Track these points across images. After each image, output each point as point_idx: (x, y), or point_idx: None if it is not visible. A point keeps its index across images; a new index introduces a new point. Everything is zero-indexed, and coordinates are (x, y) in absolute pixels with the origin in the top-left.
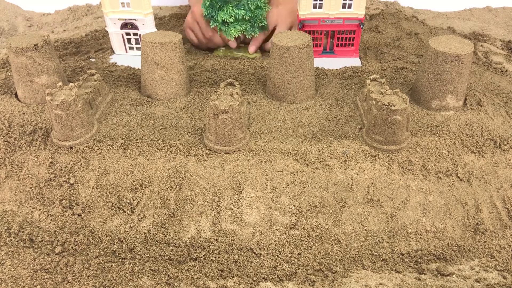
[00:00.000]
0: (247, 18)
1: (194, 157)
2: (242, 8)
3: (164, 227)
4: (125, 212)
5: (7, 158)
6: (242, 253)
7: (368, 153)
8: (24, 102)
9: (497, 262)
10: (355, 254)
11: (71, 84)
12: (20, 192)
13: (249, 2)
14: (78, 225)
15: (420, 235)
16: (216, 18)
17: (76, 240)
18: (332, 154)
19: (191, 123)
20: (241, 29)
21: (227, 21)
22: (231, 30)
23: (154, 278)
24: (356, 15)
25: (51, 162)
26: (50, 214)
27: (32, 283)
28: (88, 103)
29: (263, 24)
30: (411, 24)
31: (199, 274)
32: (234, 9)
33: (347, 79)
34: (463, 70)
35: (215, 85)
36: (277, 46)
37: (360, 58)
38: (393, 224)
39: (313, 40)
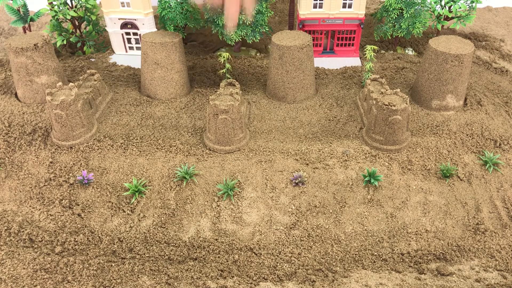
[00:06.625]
0: (248, 23)
1: (194, 157)
2: (243, 13)
3: (164, 227)
4: (125, 212)
5: (7, 158)
6: (242, 253)
7: (368, 153)
8: (24, 102)
9: (497, 262)
10: (355, 254)
11: (71, 84)
12: (20, 192)
13: None
14: (78, 225)
15: (420, 235)
16: (217, 22)
17: (76, 240)
18: (332, 154)
19: (191, 123)
20: (242, 33)
21: None
22: (232, 35)
23: (154, 278)
24: (356, 15)
25: (51, 162)
26: (50, 214)
27: (32, 282)
28: (88, 103)
29: (264, 29)
30: None
31: (199, 274)
32: None
33: (347, 79)
34: (463, 70)
35: (215, 85)
36: (277, 46)
37: (360, 58)
38: (393, 224)
39: (313, 40)
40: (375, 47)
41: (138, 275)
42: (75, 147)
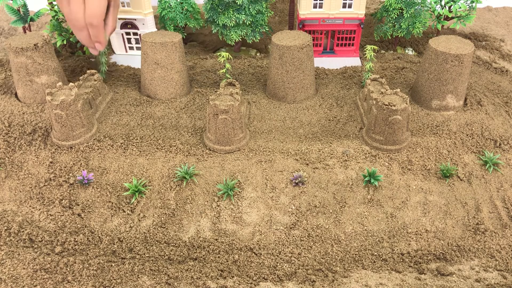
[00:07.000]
0: (248, 23)
1: (194, 157)
2: (243, 13)
3: (164, 227)
4: (125, 212)
5: (7, 158)
6: (242, 253)
7: (368, 153)
8: (24, 102)
9: (497, 262)
10: (355, 254)
11: (71, 84)
12: (20, 192)
13: (250, 6)
14: (78, 225)
15: (420, 235)
16: (217, 22)
17: (76, 240)
18: (332, 154)
19: (191, 123)
20: (242, 33)
21: (228, 25)
22: (232, 34)
23: (154, 278)
24: (356, 14)
25: (51, 162)
26: (50, 214)
27: (32, 282)
28: (88, 103)
29: (264, 29)
30: None
31: (199, 274)
32: (235, 14)
33: (347, 79)
34: (463, 70)
35: (215, 85)
36: (277, 46)
37: (360, 58)
38: (393, 224)
39: (313, 39)
40: (375, 47)
41: (138, 275)
42: (75, 147)
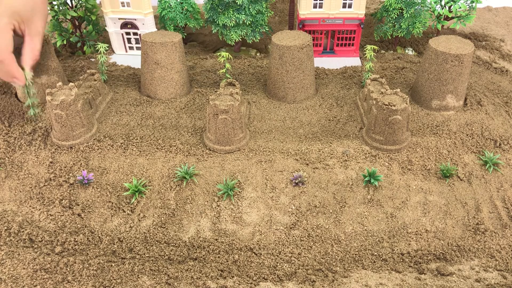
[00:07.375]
0: (248, 23)
1: (194, 157)
2: (243, 13)
3: (164, 227)
4: (125, 212)
5: (7, 158)
6: (242, 253)
7: (368, 153)
8: (24, 102)
9: (497, 262)
10: (355, 254)
11: (71, 84)
12: (20, 192)
13: (250, 6)
14: (78, 225)
15: (420, 235)
16: (217, 22)
17: (76, 240)
18: (332, 154)
19: (191, 123)
20: (242, 33)
21: (228, 25)
22: (232, 35)
23: (154, 278)
24: (357, 14)
25: (51, 162)
26: (50, 214)
27: (32, 282)
28: (88, 103)
29: (264, 29)
30: None
31: (199, 274)
32: (235, 14)
33: (347, 79)
34: (463, 70)
35: (215, 85)
36: (277, 46)
37: (360, 58)
38: (393, 224)
39: (313, 39)
40: (375, 47)
41: (138, 275)
42: (75, 147)
